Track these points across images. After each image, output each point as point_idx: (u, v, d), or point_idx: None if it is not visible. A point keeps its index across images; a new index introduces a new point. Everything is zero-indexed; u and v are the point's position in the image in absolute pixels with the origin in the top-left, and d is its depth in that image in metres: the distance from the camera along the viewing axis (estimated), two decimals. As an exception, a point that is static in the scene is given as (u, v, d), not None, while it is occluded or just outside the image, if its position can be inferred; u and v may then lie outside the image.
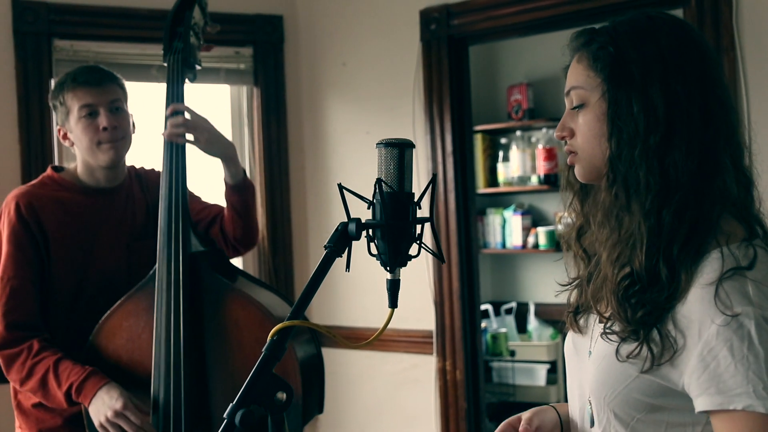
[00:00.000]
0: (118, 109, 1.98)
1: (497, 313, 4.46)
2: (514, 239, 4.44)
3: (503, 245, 4.52)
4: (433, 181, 1.16)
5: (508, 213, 4.49)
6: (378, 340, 3.54)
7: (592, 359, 1.19)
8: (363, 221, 1.13)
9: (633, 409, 1.11)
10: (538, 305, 4.46)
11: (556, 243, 4.34)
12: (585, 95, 1.20)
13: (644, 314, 1.10)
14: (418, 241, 1.14)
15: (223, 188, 2.06)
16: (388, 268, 1.13)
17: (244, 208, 2.05)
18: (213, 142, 1.99)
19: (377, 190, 1.13)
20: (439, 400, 3.15)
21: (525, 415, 1.32)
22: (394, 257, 1.12)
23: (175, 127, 1.95)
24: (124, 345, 1.86)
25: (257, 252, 3.47)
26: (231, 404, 1.00)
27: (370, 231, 1.14)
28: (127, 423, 1.74)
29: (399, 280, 1.16)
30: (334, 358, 3.32)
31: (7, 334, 1.86)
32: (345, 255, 1.14)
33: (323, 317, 3.37)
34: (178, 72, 1.99)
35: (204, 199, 2.20)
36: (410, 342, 3.23)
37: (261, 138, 3.46)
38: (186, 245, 1.85)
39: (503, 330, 4.27)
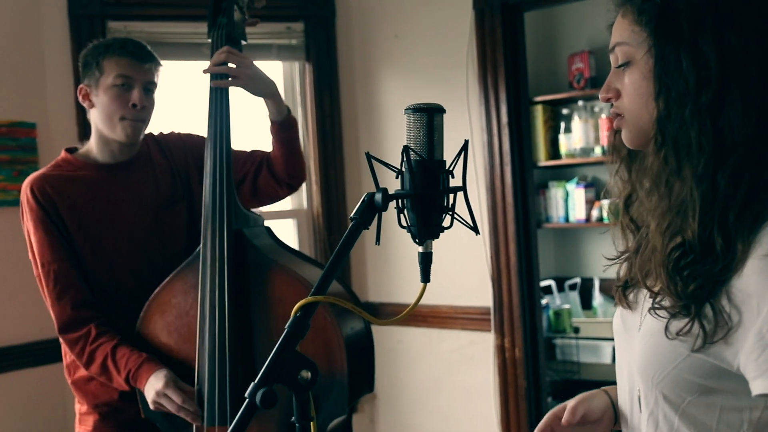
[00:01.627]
0: (150, 91, 1.96)
1: (561, 289, 4.34)
2: (578, 213, 4.30)
3: (566, 219, 4.38)
4: (465, 148, 1.09)
5: (571, 186, 4.34)
6: (435, 318, 3.49)
7: (640, 336, 1.11)
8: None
9: (684, 391, 1.03)
10: (603, 280, 4.32)
11: (621, 216, 4.19)
12: (630, 52, 1.11)
13: (696, 288, 1.01)
14: (450, 212, 1.07)
15: (269, 127, 2.03)
16: (417, 241, 1.06)
17: (291, 143, 2.03)
18: (255, 80, 1.95)
19: (405, 158, 1.07)
20: (498, 378, 3.08)
21: (570, 403, 1.24)
22: (423, 229, 1.06)
23: (220, 54, 1.92)
24: (173, 322, 1.86)
25: (312, 229, 3.45)
26: (252, 383, 0.96)
27: (399, 201, 1.08)
28: (169, 402, 1.76)
29: (431, 253, 1.10)
30: (391, 335, 3.29)
31: (64, 317, 1.88)
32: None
33: (379, 294, 3.34)
34: (221, 47, 1.96)
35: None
36: (467, 319, 3.16)
37: (314, 114, 3.43)
38: (231, 221, 1.83)
39: (566, 306, 4.14)
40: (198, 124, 2.47)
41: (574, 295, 4.34)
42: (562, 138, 4.34)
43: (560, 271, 4.51)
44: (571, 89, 4.32)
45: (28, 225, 1.93)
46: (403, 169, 1.08)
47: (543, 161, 4.35)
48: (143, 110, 1.94)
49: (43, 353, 3.00)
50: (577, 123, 4.29)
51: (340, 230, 3.45)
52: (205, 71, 1.95)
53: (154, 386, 1.77)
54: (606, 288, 4.32)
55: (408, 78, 3.33)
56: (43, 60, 3.08)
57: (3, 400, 2.90)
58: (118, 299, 1.94)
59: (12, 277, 2.95)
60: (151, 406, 1.80)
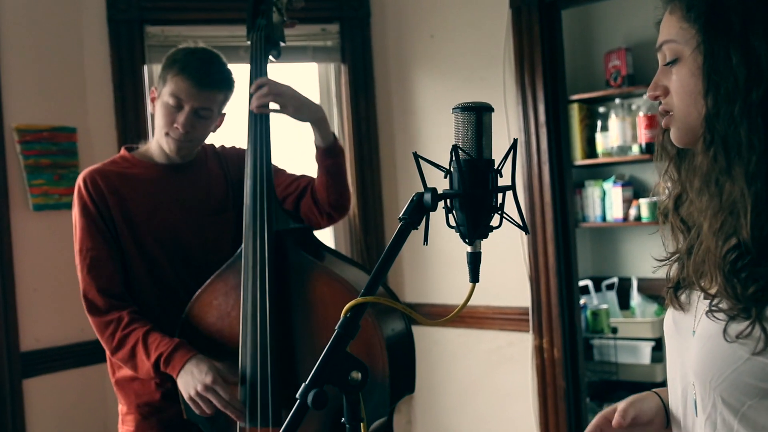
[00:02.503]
0: (201, 117, 1.93)
1: (598, 289, 4.29)
2: (615, 212, 4.25)
3: (603, 218, 4.33)
4: (513, 147, 1.08)
5: (608, 185, 4.29)
6: (472, 318, 3.47)
7: (696, 339, 1.09)
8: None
9: (743, 395, 1.01)
10: (641, 280, 4.26)
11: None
12: (678, 49, 1.09)
13: (756, 290, 0.98)
14: (499, 212, 1.06)
15: (314, 153, 2.02)
16: (466, 241, 1.06)
17: (336, 170, 2.00)
18: (301, 108, 1.94)
19: (454, 158, 1.06)
20: (537, 379, 3.05)
21: (620, 405, 1.23)
22: (473, 229, 1.05)
23: (261, 97, 1.92)
24: (214, 323, 1.87)
25: (349, 230, 3.46)
26: (303, 384, 0.96)
27: (448, 201, 1.07)
28: (217, 397, 1.75)
29: (480, 253, 1.09)
30: (428, 336, 3.28)
31: (97, 300, 1.90)
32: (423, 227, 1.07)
33: (415, 295, 3.33)
34: (261, 49, 1.96)
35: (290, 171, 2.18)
36: (505, 319, 3.14)
37: (350, 115, 3.44)
38: (271, 223, 1.83)
39: (604, 306, 4.10)
40: (234, 128, 2.48)
41: (612, 295, 4.29)
42: (599, 136, 4.29)
43: (597, 271, 4.46)
44: (608, 87, 4.27)
45: (75, 213, 1.96)
46: (452, 169, 1.07)
47: (579, 160, 4.31)
48: (187, 134, 1.92)
49: (84, 354, 3.05)
50: (614, 121, 4.24)
51: (376, 231, 3.45)
52: (251, 107, 1.94)
53: (200, 380, 1.75)
54: (644, 288, 4.26)
55: (444, 78, 3.32)
56: (83, 65, 3.12)
57: (45, 401, 2.95)
58: (157, 297, 1.95)
59: (53, 279, 3.00)
60: (186, 398, 1.77)
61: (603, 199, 4.31)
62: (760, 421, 1.00)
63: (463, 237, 1.06)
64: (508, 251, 3.06)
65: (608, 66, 4.29)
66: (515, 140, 1.09)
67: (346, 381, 0.99)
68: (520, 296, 3.09)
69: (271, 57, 2.01)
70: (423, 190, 1.08)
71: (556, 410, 3.00)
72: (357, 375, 1.00)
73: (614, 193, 4.26)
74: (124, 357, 1.87)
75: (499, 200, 1.07)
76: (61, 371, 3.01)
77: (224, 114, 2.03)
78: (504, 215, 1.06)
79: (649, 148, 4.13)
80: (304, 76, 3.53)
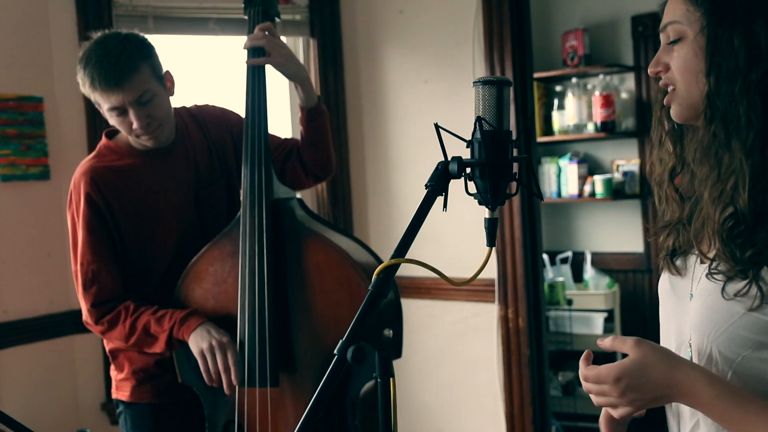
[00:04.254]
0: (144, 103, 1.86)
1: (553, 262, 4.45)
2: (570, 188, 4.40)
3: (558, 194, 4.48)
4: (531, 119, 1.15)
5: (564, 162, 4.44)
6: (439, 289, 3.54)
7: (695, 299, 1.18)
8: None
9: (738, 347, 1.11)
10: (594, 254, 4.44)
11: (613, 191, 4.29)
12: (682, 30, 1.18)
13: (753, 254, 1.08)
14: (518, 180, 1.14)
15: (299, 115, 2.05)
16: (489, 207, 1.13)
17: (321, 132, 2.05)
18: (289, 60, 1.97)
19: (477, 128, 1.13)
20: (502, 348, 3.17)
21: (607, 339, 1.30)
22: (495, 196, 1.13)
23: (256, 39, 1.93)
24: (210, 289, 1.90)
25: (316, 202, 3.50)
26: (341, 341, 1.02)
27: (468, 170, 1.14)
28: (223, 358, 1.80)
29: (497, 219, 1.17)
30: (395, 306, 3.35)
31: (95, 310, 1.93)
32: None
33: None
34: (259, 23, 1.98)
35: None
36: (471, 291, 3.24)
37: (318, 89, 3.46)
38: (270, 191, 1.87)
39: (560, 279, 4.25)
40: (208, 97, 2.48)
41: (566, 269, 4.45)
42: (555, 114, 4.43)
43: (552, 245, 4.62)
44: (565, 66, 4.40)
45: (75, 220, 1.96)
46: (474, 140, 1.13)
47: (537, 137, 4.44)
48: (149, 124, 1.88)
49: (53, 326, 3.03)
50: (570, 100, 4.38)
51: (344, 203, 3.50)
52: (244, 47, 1.97)
53: (216, 337, 1.80)
54: (597, 262, 4.44)
55: (413, 54, 3.37)
56: (49, 33, 3.06)
57: (16, 373, 2.93)
58: (161, 282, 1.98)
59: (21, 251, 2.96)
60: (198, 351, 1.81)
61: (558, 176, 4.46)
62: (753, 371, 1.10)
63: (486, 203, 1.13)
64: (474, 224, 3.14)
65: (565, 46, 4.42)
66: (533, 113, 1.17)
67: (380, 338, 1.05)
68: (486, 268, 3.18)
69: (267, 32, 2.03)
70: (439, 159, 1.14)
71: (520, 378, 3.12)
72: (389, 332, 1.06)
73: (570, 169, 4.41)
74: (139, 339, 1.89)
75: (516, 169, 1.15)
76: (31, 343, 2.98)
77: (166, 72, 1.96)
78: (522, 183, 1.14)
79: (604, 127, 4.28)
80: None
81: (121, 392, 2.03)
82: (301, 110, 2.04)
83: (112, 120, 1.90)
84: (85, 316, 1.96)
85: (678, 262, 1.26)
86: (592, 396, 1.15)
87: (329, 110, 3.45)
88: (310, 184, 2.14)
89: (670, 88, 1.22)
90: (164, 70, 1.96)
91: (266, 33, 1.95)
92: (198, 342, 1.81)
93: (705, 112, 1.15)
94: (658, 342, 1.31)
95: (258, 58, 1.95)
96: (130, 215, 1.95)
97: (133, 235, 1.96)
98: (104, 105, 1.87)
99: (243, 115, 2.07)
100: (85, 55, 1.86)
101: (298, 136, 2.12)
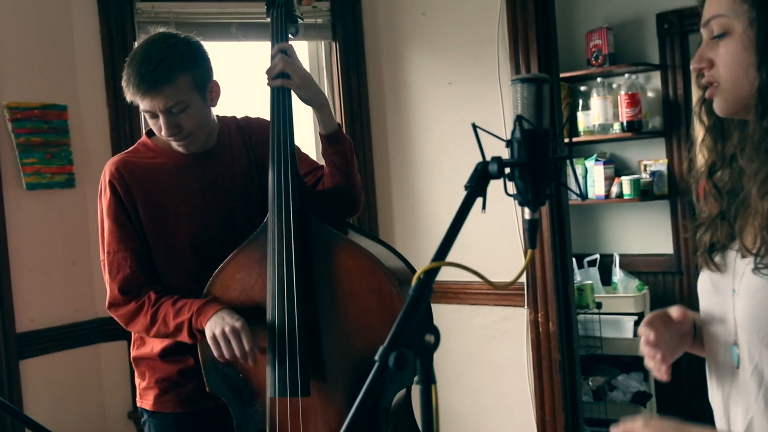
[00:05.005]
0: (178, 112, 1.86)
1: (580, 265, 4.38)
2: (597, 189, 4.34)
3: (585, 196, 4.42)
4: (571, 117, 1.11)
5: (590, 162, 4.38)
6: (467, 294, 3.49)
7: (741, 295, 1.15)
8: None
9: None
10: (623, 256, 4.37)
11: (641, 192, 4.22)
12: (728, 23, 1.14)
13: None
14: (557, 180, 1.10)
15: (321, 144, 2.02)
16: (530, 208, 1.09)
17: (342, 160, 1.97)
18: (307, 84, 1.93)
19: (517, 128, 1.09)
20: (532, 353, 3.11)
21: (674, 308, 1.28)
22: (535, 196, 1.09)
23: (274, 66, 1.91)
24: (237, 297, 1.88)
25: (341, 208, 3.47)
26: (382, 347, 0.98)
27: (507, 170, 1.10)
28: (238, 343, 1.76)
29: (537, 220, 1.13)
30: (422, 311, 3.31)
31: (121, 297, 1.93)
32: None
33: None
34: (281, 26, 1.96)
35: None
36: (500, 295, 3.19)
37: (341, 93, 3.44)
38: (296, 196, 1.84)
39: (589, 282, 4.19)
40: (231, 105, 2.46)
41: (594, 271, 4.38)
42: (580, 115, 4.36)
43: (579, 248, 4.54)
44: (589, 66, 4.34)
45: (102, 210, 1.96)
46: (513, 139, 1.10)
47: (563, 138, 4.38)
48: (178, 133, 1.89)
49: (79, 335, 3.02)
50: (595, 100, 4.31)
51: (368, 209, 3.47)
52: (268, 75, 1.94)
53: (230, 322, 1.76)
54: (626, 264, 4.36)
55: (436, 56, 3.34)
56: (73, 41, 3.07)
57: (42, 382, 2.92)
58: (184, 288, 1.95)
59: (48, 259, 2.96)
60: (210, 336, 1.78)
61: (585, 177, 4.40)
62: None
63: (526, 204, 1.10)
64: (502, 227, 3.11)
65: (589, 45, 4.36)
66: (572, 112, 1.13)
67: (421, 343, 1.01)
68: (515, 271, 3.12)
69: (289, 34, 2.00)
70: (483, 161, 1.10)
71: (551, 383, 3.06)
72: (430, 338, 1.03)
73: (596, 170, 4.35)
74: (160, 330, 1.89)
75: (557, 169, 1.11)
76: (57, 352, 2.98)
77: (213, 82, 1.95)
78: (563, 183, 1.10)
79: (630, 126, 4.21)
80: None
81: (145, 401, 2.01)
82: (321, 138, 1.98)
83: (148, 121, 1.93)
84: (110, 301, 1.95)
85: (717, 258, 1.23)
86: None
87: (352, 114, 3.44)
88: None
89: (714, 84, 1.18)
90: (212, 79, 1.96)
91: (284, 55, 1.92)
92: (212, 327, 1.78)
93: (757, 106, 1.11)
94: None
95: (277, 79, 1.91)
96: (152, 212, 1.94)
97: (154, 234, 1.95)
98: (140, 106, 1.90)
99: None
100: (132, 53, 1.90)
101: None
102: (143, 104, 1.86)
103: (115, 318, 1.98)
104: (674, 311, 1.27)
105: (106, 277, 1.97)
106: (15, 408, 1.45)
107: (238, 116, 2.13)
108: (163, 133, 1.89)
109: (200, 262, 1.96)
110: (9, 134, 2.86)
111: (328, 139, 1.96)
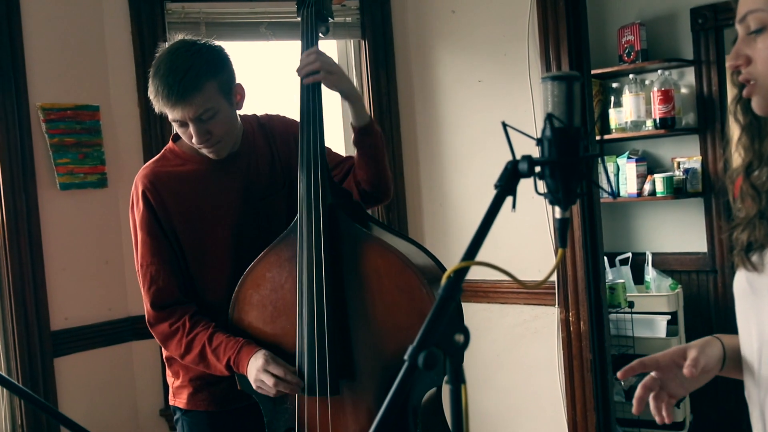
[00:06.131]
0: (208, 119, 1.87)
1: (612, 264, 4.33)
2: (629, 187, 4.28)
3: (617, 193, 4.37)
4: (601, 116, 1.10)
5: (622, 160, 4.33)
6: (496, 293, 3.46)
7: None
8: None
9: None
10: (655, 255, 4.31)
11: (674, 190, 4.17)
12: (766, 18, 1.11)
13: None
14: (588, 178, 1.08)
15: (353, 136, 2.02)
16: (561, 206, 1.07)
17: (373, 152, 1.98)
18: (341, 79, 1.94)
19: (547, 126, 1.07)
20: (563, 352, 3.09)
21: (691, 353, 1.25)
22: (566, 195, 1.07)
23: (309, 63, 1.90)
24: (268, 295, 1.88)
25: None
26: (411, 346, 0.97)
27: (538, 168, 1.08)
28: (269, 376, 1.79)
29: (568, 219, 1.11)
30: (452, 310, 3.30)
31: (155, 313, 1.94)
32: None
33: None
34: (311, 25, 1.95)
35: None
36: (530, 293, 3.17)
37: (370, 92, 3.43)
38: (326, 195, 1.84)
39: (621, 281, 4.14)
40: (259, 105, 2.46)
41: (626, 270, 4.33)
42: (612, 112, 4.32)
43: (611, 246, 4.50)
44: (621, 62, 4.29)
45: (135, 221, 1.97)
46: (543, 137, 1.08)
47: (594, 136, 4.33)
48: (208, 140, 1.89)
49: (112, 333, 3.06)
50: (627, 96, 4.26)
51: (397, 206, 3.46)
52: (299, 73, 1.93)
53: (255, 366, 1.80)
54: (658, 263, 4.31)
55: (466, 54, 3.32)
56: (104, 42, 3.10)
57: (76, 379, 2.96)
58: (217, 289, 1.97)
59: (81, 259, 3.00)
60: (255, 387, 1.83)
61: (617, 175, 4.35)
62: None
63: (557, 203, 1.08)
64: (532, 226, 3.08)
65: (621, 41, 4.31)
66: (604, 109, 1.11)
67: (451, 343, 1.01)
68: (545, 270, 3.10)
69: (320, 33, 2.00)
70: (513, 159, 1.09)
71: (582, 383, 3.03)
72: (460, 337, 1.02)
73: (628, 168, 4.30)
74: (194, 360, 1.91)
75: (588, 167, 1.09)
76: (90, 350, 3.02)
77: (237, 85, 1.96)
78: (594, 182, 1.08)
79: (663, 123, 4.16)
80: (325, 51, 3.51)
81: (178, 399, 2.03)
82: (353, 130, 2.00)
83: (176, 128, 1.93)
84: (147, 318, 1.98)
85: (754, 258, 1.20)
86: None
87: (381, 112, 3.44)
88: (367, 205, 2.07)
89: (751, 82, 1.15)
90: (236, 82, 1.95)
91: (316, 56, 1.91)
92: (251, 378, 1.83)
93: None
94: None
95: (310, 76, 1.91)
96: (186, 219, 1.95)
97: (189, 240, 1.96)
98: (168, 115, 1.89)
99: None
100: (156, 64, 1.87)
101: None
102: (173, 114, 1.86)
103: (157, 335, 1.97)
104: (685, 368, 1.22)
105: (144, 291, 1.98)
106: (50, 406, 1.47)
107: (258, 114, 2.14)
108: (194, 141, 1.89)
109: (237, 263, 1.96)
110: (43, 135, 2.90)
111: (361, 131, 1.98)
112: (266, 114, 2.14)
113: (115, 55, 3.11)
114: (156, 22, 3.14)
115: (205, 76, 1.83)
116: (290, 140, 2.07)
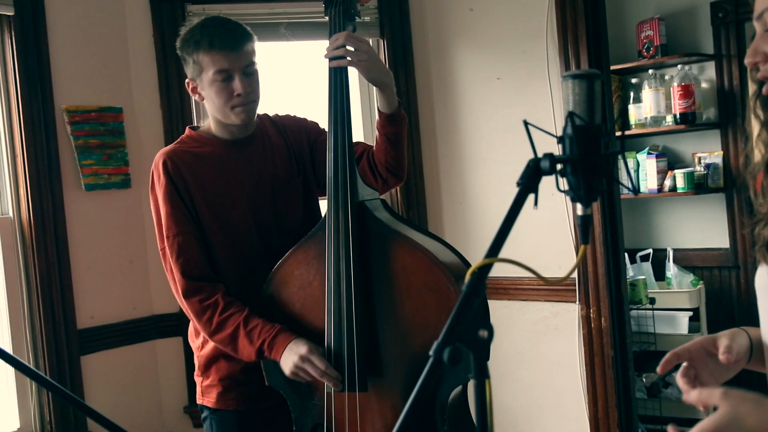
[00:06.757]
0: (250, 74, 1.95)
1: (633, 260, 4.32)
2: (649, 183, 4.27)
3: (637, 190, 4.35)
4: (622, 111, 1.11)
5: (642, 156, 4.31)
6: (517, 290, 3.46)
7: None
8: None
9: None
10: (676, 251, 4.29)
11: (695, 185, 4.14)
12: None
13: None
14: (610, 175, 1.09)
15: (377, 119, 2.04)
16: (583, 204, 1.09)
17: (397, 138, 2.02)
18: (374, 65, 1.94)
19: (568, 124, 1.08)
20: (584, 349, 3.09)
21: (723, 341, 1.25)
22: (588, 192, 1.08)
23: (337, 48, 1.92)
24: (296, 293, 1.90)
25: (391, 204, 3.48)
26: (436, 342, 0.99)
27: (559, 166, 1.09)
28: (312, 366, 1.80)
29: (590, 216, 1.12)
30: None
31: (187, 284, 1.93)
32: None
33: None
34: (339, 24, 1.97)
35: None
36: (551, 290, 3.17)
37: (389, 90, 3.44)
38: (354, 193, 1.86)
39: (642, 277, 4.13)
40: (281, 104, 2.49)
41: (647, 266, 4.32)
42: (632, 108, 4.30)
43: (631, 243, 4.48)
44: (641, 58, 4.27)
45: (158, 198, 1.98)
46: (565, 135, 1.09)
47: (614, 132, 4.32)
48: (249, 94, 1.95)
49: (137, 332, 3.10)
50: (647, 92, 4.24)
51: (417, 205, 3.48)
52: (325, 56, 1.95)
53: (297, 352, 1.80)
54: (680, 259, 4.29)
55: (484, 52, 3.33)
56: (127, 45, 3.15)
57: (102, 377, 3.01)
58: (237, 272, 1.99)
59: (105, 258, 3.04)
60: (289, 373, 1.83)
61: (637, 171, 4.33)
62: None
63: (579, 200, 1.09)
64: (552, 222, 3.09)
65: (640, 36, 4.29)
66: (624, 106, 1.12)
67: (475, 339, 1.02)
68: (566, 267, 3.10)
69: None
70: (534, 157, 1.10)
71: (604, 379, 3.04)
72: (484, 333, 1.03)
73: (648, 164, 4.28)
74: (223, 340, 1.91)
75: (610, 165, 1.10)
76: (115, 348, 3.06)
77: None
78: (615, 179, 1.10)
79: (683, 118, 4.14)
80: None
81: (207, 398, 2.05)
82: (380, 114, 2.01)
83: (214, 88, 1.93)
84: (180, 289, 1.95)
85: None
86: None
87: (401, 111, 3.45)
88: (380, 188, 2.09)
89: None
90: None
91: (347, 37, 1.93)
92: (286, 364, 1.83)
93: None
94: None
95: (341, 60, 1.92)
96: (206, 198, 1.97)
97: (209, 218, 1.97)
98: (211, 68, 1.92)
99: (318, 123, 2.14)
100: (201, 23, 1.96)
101: (371, 140, 2.11)
102: (223, 63, 1.90)
103: (188, 309, 1.96)
104: (721, 354, 1.23)
105: (173, 263, 1.95)
106: (77, 398, 1.49)
107: (270, 114, 2.18)
108: (238, 91, 1.92)
109: (254, 248, 1.99)
110: (68, 137, 2.95)
111: (390, 118, 2.00)
112: (276, 114, 2.19)
113: (137, 57, 3.15)
114: (177, 24, 3.15)
115: (250, 34, 1.97)
116: (301, 133, 2.12)
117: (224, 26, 1.94)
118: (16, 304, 2.84)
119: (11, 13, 2.81)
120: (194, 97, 2.03)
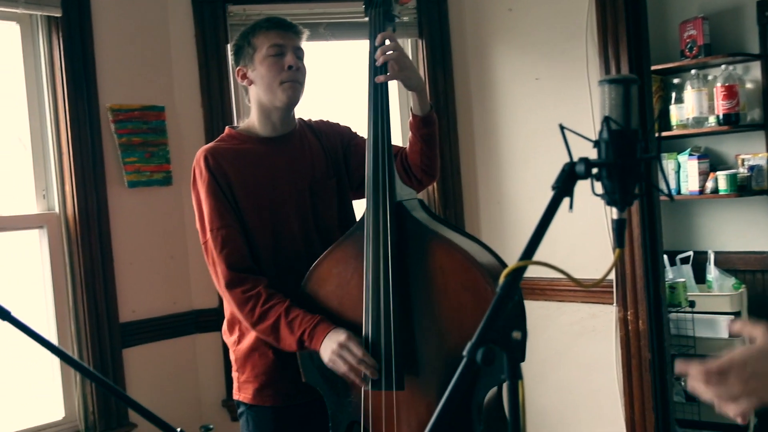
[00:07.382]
0: (300, 57, 2.08)
1: (672, 262, 4.27)
2: (690, 185, 4.21)
3: (678, 191, 4.30)
4: (659, 117, 1.11)
5: (683, 157, 4.25)
6: (554, 291, 3.46)
7: None
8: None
9: None
10: (718, 254, 4.23)
11: (737, 187, 4.08)
12: None
13: None
14: (647, 180, 1.10)
15: (410, 120, 2.08)
16: (618, 208, 1.09)
17: (431, 138, 2.08)
18: (412, 73, 2.00)
19: (605, 128, 1.09)
20: (621, 351, 3.07)
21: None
22: (623, 196, 1.09)
23: (386, 53, 1.96)
24: (333, 291, 1.93)
25: (428, 204, 3.50)
26: (470, 342, 1.01)
27: (595, 170, 1.10)
28: (350, 354, 1.82)
29: (625, 219, 1.13)
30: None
31: (231, 275, 1.97)
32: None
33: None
34: (379, 24, 1.99)
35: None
36: (588, 291, 3.15)
37: (428, 90, 3.45)
38: (393, 193, 1.88)
39: (681, 280, 4.08)
40: (319, 103, 2.52)
41: (687, 269, 4.26)
42: (673, 108, 4.24)
43: (671, 245, 4.43)
44: (683, 58, 4.21)
45: (200, 193, 2.03)
46: (601, 140, 1.10)
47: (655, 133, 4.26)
48: (298, 72, 2.05)
49: (177, 326, 3.16)
50: (689, 92, 4.19)
51: (455, 205, 3.48)
52: (376, 62, 1.97)
53: (335, 339, 1.83)
54: (721, 261, 4.22)
55: (523, 52, 3.32)
56: (169, 45, 3.20)
57: (143, 370, 3.07)
58: (276, 266, 2.03)
59: (146, 254, 3.10)
60: (327, 360, 1.84)
61: (678, 172, 4.28)
62: None
63: (614, 204, 1.10)
64: (590, 224, 3.07)
65: (683, 36, 4.23)
66: (661, 110, 1.12)
67: (509, 340, 1.03)
68: (603, 269, 3.07)
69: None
70: (570, 161, 1.11)
71: (641, 382, 3.01)
72: (517, 335, 1.04)
73: (690, 165, 4.22)
74: (265, 330, 1.94)
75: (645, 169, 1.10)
76: (156, 341, 3.12)
77: None
78: (652, 183, 1.10)
79: (726, 119, 4.07)
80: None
81: (243, 394, 2.08)
82: (413, 117, 2.07)
83: (266, 63, 2.03)
84: (224, 281, 1.98)
85: None
86: (708, 393, 1.06)
87: (439, 111, 3.46)
88: (414, 188, 2.13)
89: None
90: None
91: (392, 46, 1.97)
92: (325, 352, 1.85)
93: None
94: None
95: (383, 75, 1.97)
96: (248, 193, 2.02)
97: (251, 214, 2.01)
98: (266, 44, 2.04)
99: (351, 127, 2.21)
100: (258, 20, 2.12)
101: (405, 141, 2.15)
102: (276, 39, 2.03)
103: (231, 299, 1.99)
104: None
105: (217, 255, 1.98)
106: (121, 390, 1.53)
107: (305, 118, 2.24)
108: (289, 64, 2.02)
109: (291, 243, 2.04)
110: (112, 135, 3.02)
111: (423, 120, 2.07)
112: (310, 119, 2.25)
113: (179, 57, 3.21)
114: (218, 24, 3.23)
115: (301, 29, 2.12)
116: (335, 136, 2.19)
117: (280, 18, 2.12)
118: (62, 297, 2.91)
119: (59, 15, 2.88)
120: (242, 84, 2.11)
